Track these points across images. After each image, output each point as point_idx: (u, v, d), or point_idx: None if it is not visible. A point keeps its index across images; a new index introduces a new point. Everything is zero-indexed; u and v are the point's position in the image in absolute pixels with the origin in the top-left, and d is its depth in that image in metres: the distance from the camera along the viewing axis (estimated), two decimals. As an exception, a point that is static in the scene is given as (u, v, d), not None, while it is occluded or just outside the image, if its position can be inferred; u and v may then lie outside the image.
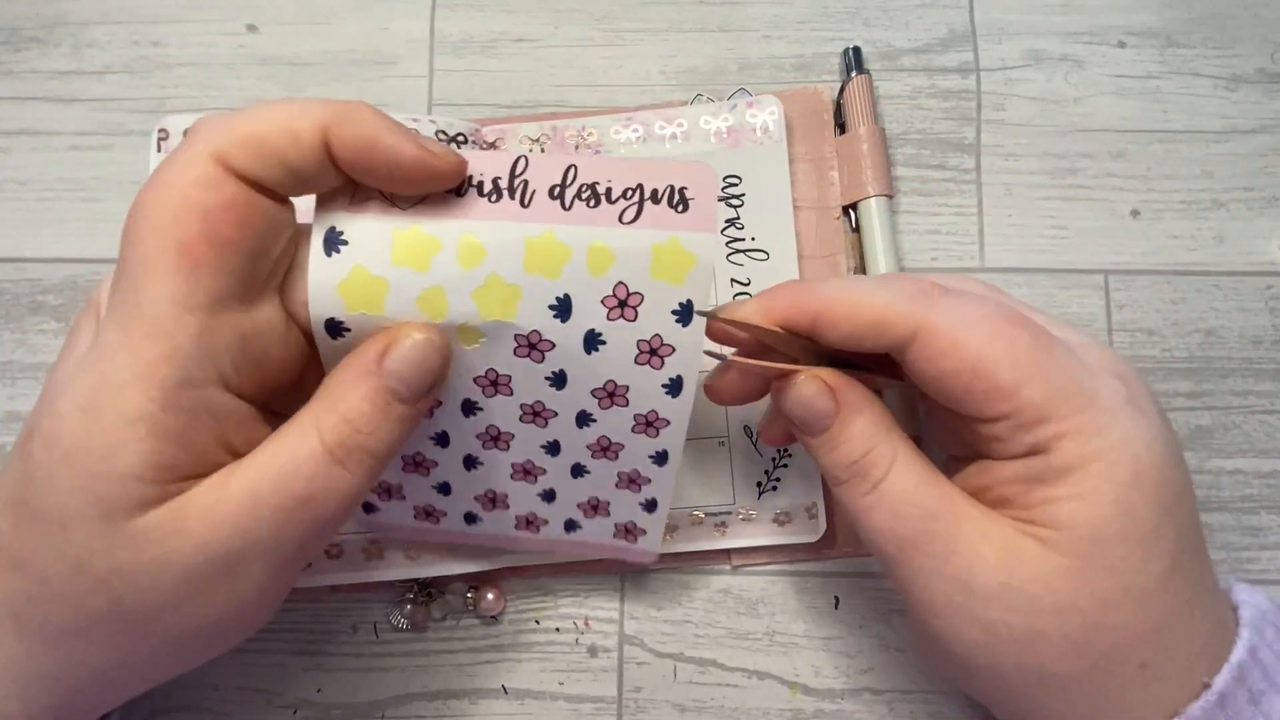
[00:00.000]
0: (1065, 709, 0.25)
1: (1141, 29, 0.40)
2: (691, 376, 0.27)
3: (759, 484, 0.35)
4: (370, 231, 0.25)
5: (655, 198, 0.26)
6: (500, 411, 0.28)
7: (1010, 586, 0.24)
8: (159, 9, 0.40)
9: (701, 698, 0.35)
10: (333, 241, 0.25)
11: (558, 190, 0.25)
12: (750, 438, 0.35)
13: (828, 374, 0.26)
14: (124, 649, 0.24)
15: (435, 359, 0.25)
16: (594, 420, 0.29)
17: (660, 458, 0.29)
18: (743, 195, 0.37)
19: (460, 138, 0.37)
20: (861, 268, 0.37)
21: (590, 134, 0.37)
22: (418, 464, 0.31)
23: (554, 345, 0.27)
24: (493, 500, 0.32)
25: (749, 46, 0.40)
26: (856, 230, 0.37)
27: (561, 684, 0.35)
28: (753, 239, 0.36)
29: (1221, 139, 0.39)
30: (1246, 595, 0.27)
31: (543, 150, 0.37)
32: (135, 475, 0.22)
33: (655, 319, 0.26)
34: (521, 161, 0.25)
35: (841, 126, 0.38)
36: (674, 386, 0.28)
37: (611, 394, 0.28)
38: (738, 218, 0.37)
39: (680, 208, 0.26)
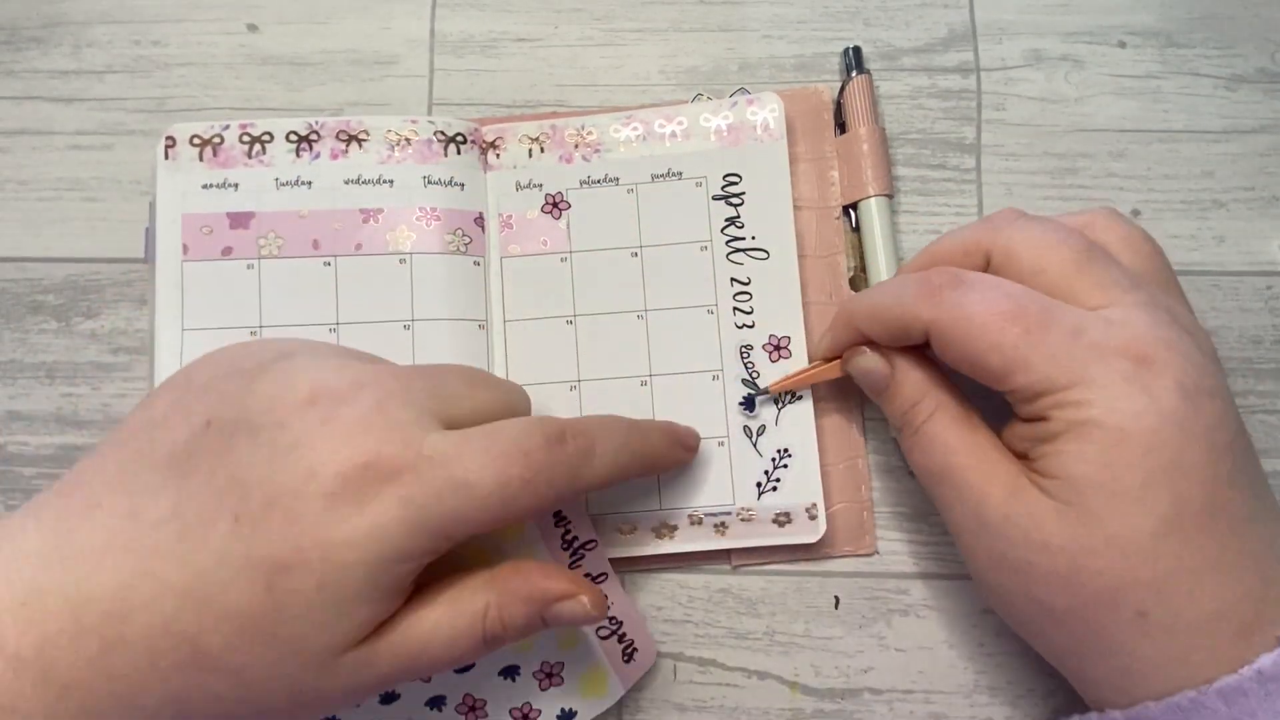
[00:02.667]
0: (1065, 640, 0.28)
1: (1142, 29, 0.40)
2: None
3: (759, 484, 0.35)
4: None
5: (621, 639, 0.34)
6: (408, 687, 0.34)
7: (1009, 520, 0.28)
8: (159, 9, 0.40)
9: (701, 698, 0.35)
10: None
11: (589, 576, 0.34)
12: (750, 438, 0.35)
13: (867, 348, 0.33)
14: None
15: (587, 624, 0.31)
16: (443, 707, 0.34)
17: None
18: (743, 194, 0.37)
19: (459, 138, 0.37)
20: (862, 267, 0.37)
21: (590, 133, 0.37)
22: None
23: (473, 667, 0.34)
24: None
25: (749, 46, 0.40)
26: (857, 230, 0.37)
27: None
28: (753, 238, 0.36)
29: (1221, 139, 0.39)
30: None
31: (542, 150, 0.37)
32: (366, 621, 0.26)
33: (551, 703, 0.34)
34: (592, 544, 0.34)
35: (842, 126, 0.38)
36: None
37: (471, 708, 0.34)
38: (738, 216, 0.37)
39: (627, 659, 0.34)
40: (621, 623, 0.34)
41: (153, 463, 0.26)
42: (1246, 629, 0.26)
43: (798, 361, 0.36)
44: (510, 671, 0.33)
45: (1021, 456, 0.29)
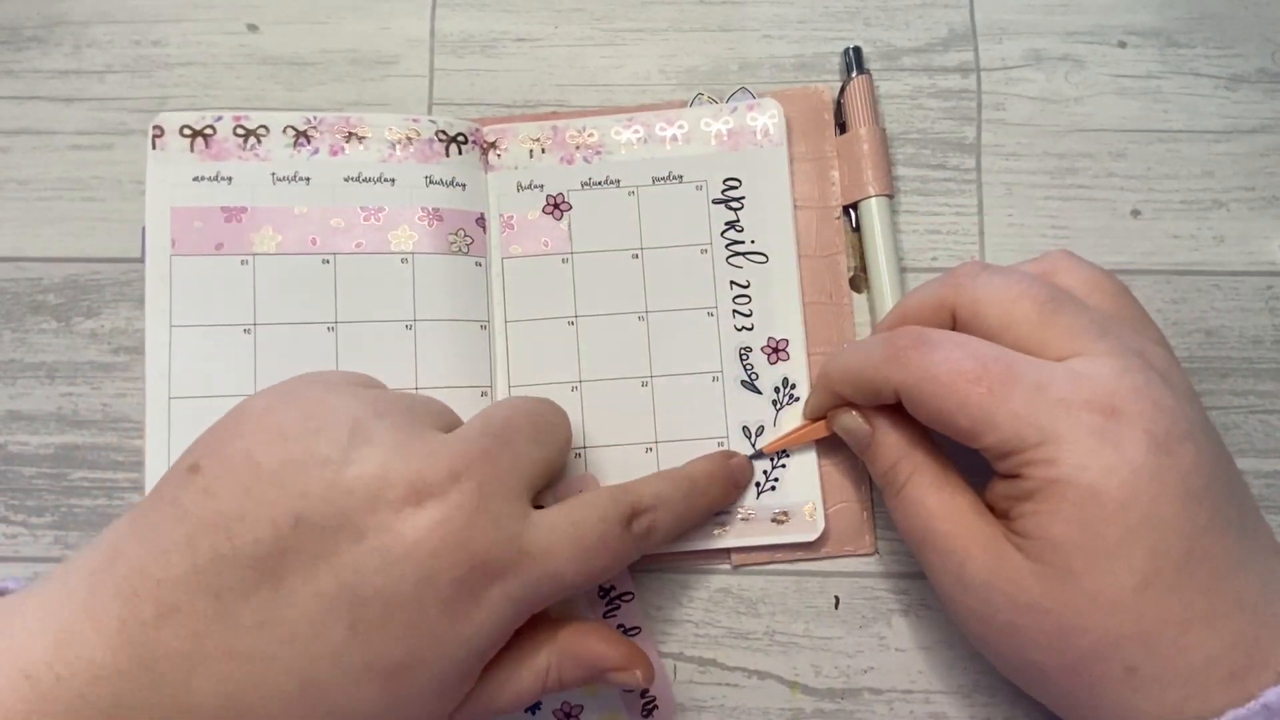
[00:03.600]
0: (1057, 696, 0.29)
1: (1141, 29, 0.40)
2: None
3: (758, 484, 0.35)
4: None
5: (644, 694, 0.34)
6: None
7: (992, 584, 0.28)
8: (159, 9, 0.40)
9: (701, 698, 0.35)
10: None
11: (623, 629, 0.35)
12: (749, 438, 0.35)
13: (852, 409, 0.33)
14: None
15: (632, 688, 0.33)
16: None
17: None
18: (742, 198, 0.37)
19: (460, 138, 0.37)
20: (862, 267, 0.37)
21: (591, 135, 0.37)
22: None
23: None
24: None
25: (749, 46, 0.40)
26: (857, 230, 0.37)
27: None
28: (752, 241, 0.36)
29: (1222, 139, 0.39)
30: None
31: (544, 151, 0.37)
32: (461, 697, 0.28)
33: None
34: (629, 595, 0.35)
35: (842, 126, 0.38)
36: None
37: None
38: (737, 220, 0.37)
39: (646, 714, 0.34)
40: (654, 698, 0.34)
41: (235, 562, 0.24)
42: (1239, 674, 0.25)
43: (796, 364, 0.36)
44: (533, 708, 0.34)
45: (1003, 515, 0.29)
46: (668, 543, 0.33)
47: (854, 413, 0.32)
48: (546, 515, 0.28)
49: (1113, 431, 0.26)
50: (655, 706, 0.34)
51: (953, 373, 0.28)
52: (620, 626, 0.34)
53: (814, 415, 0.35)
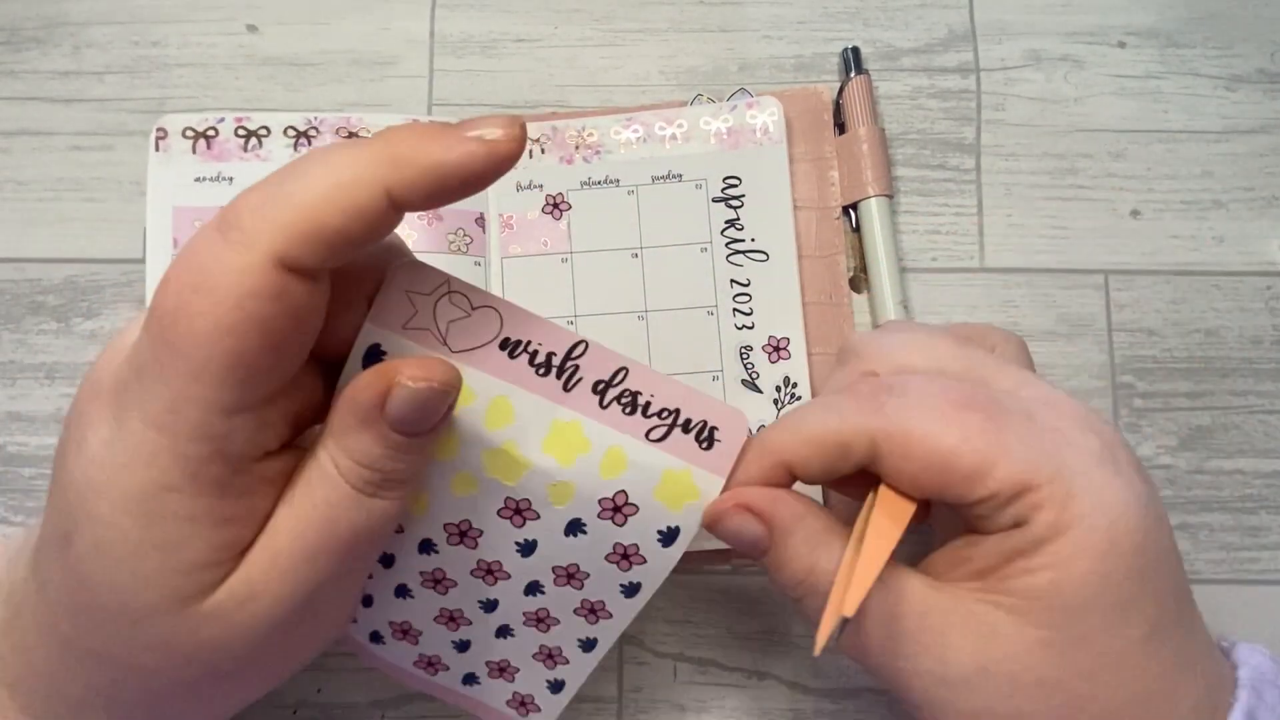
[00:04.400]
0: None
1: (1141, 29, 0.40)
2: (651, 587, 0.28)
3: (759, 484, 0.35)
4: None
5: (686, 427, 0.26)
6: (455, 561, 0.28)
7: (988, 670, 0.24)
8: (159, 9, 0.40)
9: (701, 698, 0.35)
10: (372, 357, 0.24)
11: (602, 386, 0.26)
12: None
13: (756, 494, 0.26)
14: (228, 694, 0.26)
15: (436, 401, 0.23)
16: (542, 593, 0.29)
17: (589, 644, 0.30)
18: (742, 196, 0.37)
19: (460, 138, 0.37)
20: (862, 267, 0.37)
21: (590, 134, 0.37)
22: None
23: (538, 517, 0.27)
24: (404, 632, 0.31)
25: (749, 46, 0.40)
26: (856, 230, 0.37)
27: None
28: (752, 240, 0.36)
29: (1221, 139, 0.39)
30: (1246, 654, 0.26)
31: (543, 151, 0.37)
32: (203, 564, 0.22)
33: (640, 532, 0.27)
34: (580, 346, 0.25)
35: (841, 127, 0.38)
36: (631, 590, 0.28)
37: (570, 575, 0.28)
38: (737, 219, 0.37)
39: (705, 444, 0.26)
40: (676, 410, 0.26)
41: None
42: (1215, 716, 0.24)
43: (797, 363, 0.36)
44: (574, 528, 0.27)
45: (978, 576, 0.24)
46: None
47: (743, 513, 0.26)
48: None
49: (1110, 458, 0.24)
50: (713, 430, 0.26)
51: (945, 403, 0.24)
52: (599, 384, 0.26)
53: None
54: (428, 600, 0.30)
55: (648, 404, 0.26)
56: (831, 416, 0.25)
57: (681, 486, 0.26)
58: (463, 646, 0.31)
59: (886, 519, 0.25)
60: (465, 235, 0.37)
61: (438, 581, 0.29)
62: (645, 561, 0.27)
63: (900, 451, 0.24)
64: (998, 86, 0.39)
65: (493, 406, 0.25)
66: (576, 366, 0.25)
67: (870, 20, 0.40)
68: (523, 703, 0.32)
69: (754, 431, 0.30)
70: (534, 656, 0.30)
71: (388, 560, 0.29)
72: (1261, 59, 0.39)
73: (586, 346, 0.25)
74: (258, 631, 0.23)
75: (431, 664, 0.31)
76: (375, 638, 0.31)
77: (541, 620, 0.29)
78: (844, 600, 0.23)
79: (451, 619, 0.30)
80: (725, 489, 0.26)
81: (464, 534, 0.28)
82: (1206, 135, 0.39)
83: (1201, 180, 0.38)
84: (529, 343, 0.25)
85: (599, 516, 0.27)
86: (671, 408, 0.26)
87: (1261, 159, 0.39)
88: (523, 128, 0.21)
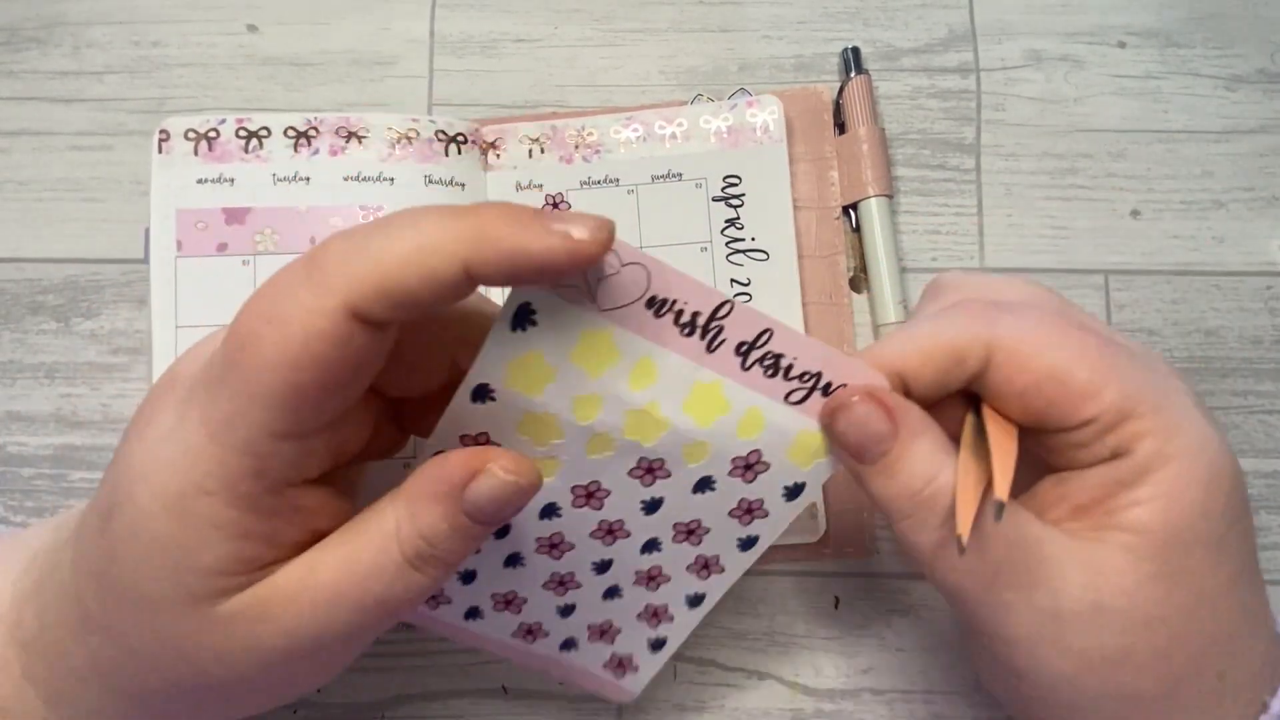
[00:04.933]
0: None
1: (1141, 29, 0.40)
2: (768, 541, 0.28)
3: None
4: (562, 321, 0.24)
5: (827, 390, 0.25)
6: (577, 523, 0.28)
7: (1101, 605, 0.23)
8: (159, 9, 0.40)
9: (701, 698, 0.35)
10: (523, 318, 0.23)
11: (745, 348, 0.25)
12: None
13: (883, 392, 0.25)
14: (205, 711, 0.26)
15: (515, 500, 0.23)
16: (659, 550, 0.29)
17: (695, 600, 0.30)
18: (743, 195, 0.37)
19: (460, 138, 0.37)
20: (862, 268, 0.37)
21: (590, 134, 0.37)
22: None
23: (669, 476, 0.27)
24: (507, 602, 0.30)
25: (749, 46, 0.40)
26: (856, 230, 0.37)
27: (561, 684, 0.35)
28: (753, 239, 0.36)
29: (1221, 139, 0.39)
30: None
31: (543, 151, 0.37)
32: (219, 570, 0.22)
33: (768, 487, 0.27)
34: (726, 307, 0.24)
35: (841, 127, 0.38)
36: (748, 543, 0.28)
37: (690, 531, 0.28)
38: (737, 218, 0.37)
39: None
40: (818, 374, 0.25)
41: None
42: (1273, 678, 0.24)
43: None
44: (703, 485, 0.27)
45: (1076, 515, 0.24)
46: None
47: (873, 403, 0.25)
48: None
49: (1199, 404, 0.24)
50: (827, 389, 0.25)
51: (1061, 321, 0.24)
52: (721, 310, 0.24)
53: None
54: (539, 566, 0.29)
55: (790, 366, 0.25)
56: (946, 327, 0.25)
57: (814, 446, 0.26)
58: (567, 611, 0.30)
59: (1002, 434, 0.24)
60: (465, 235, 0.36)
61: (554, 545, 0.28)
62: (767, 515, 0.28)
63: (1016, 363, 0.24)
64: (998, 86, 0.39)
65: (638, 367, 0.25)
66: (721, 327, 0.25)
67: (870, 20, 0.40)
68: (620, 664, 0.32)
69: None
70: (638, 616, 0.30)
71: (502, 531, 0.28)
72: (1261, 59, 0.39)
73: (732, 307, 0.24)
74: (258, 656, 0.23)
75: (531, 632, 0.31)
76: (473, 613, 0.30)
77: (653, 579, 0.29)
78: (996, 485, 0.22)
79: (561, 583, 0.30)
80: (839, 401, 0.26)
81: (590, 495, 0.27)
82: (1206, 135, 0.39)
83: (1201, 180, 0.38)
84: (675, 301, 0.24)
85: (729, 474, 0.27)
86: (814, 370, 0.25)
87: (1261, 159, 0.39)
88: (610, 230, 0.21)
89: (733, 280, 0.36)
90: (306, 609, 0.23)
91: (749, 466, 0.27)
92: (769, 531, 0.28)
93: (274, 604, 0.23)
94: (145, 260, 0.37)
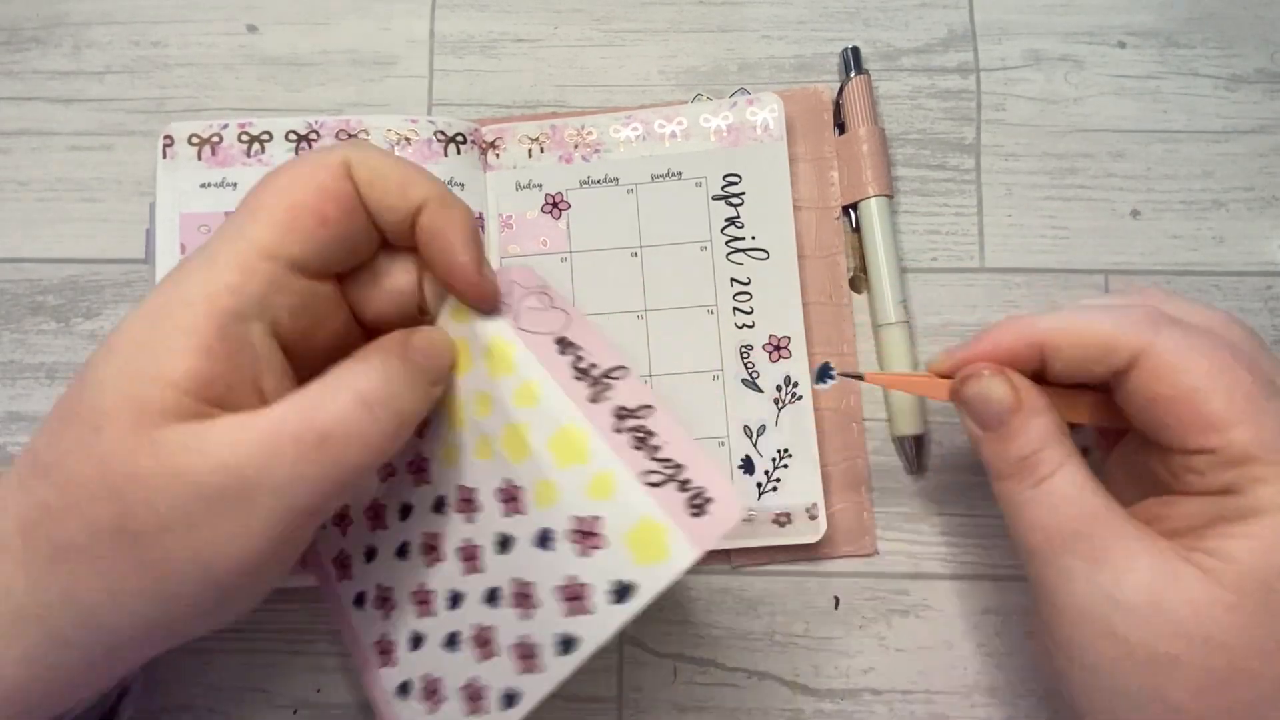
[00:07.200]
0: None
1: (1141, 29, 0.40)
2: (586, 651, 0.25)
3: (759, 484, 0.35)
4: (485, 321, 0.28)
5: (684, 486, 0.25)
6: (452, 532, 0.29)
7: (1160, 606, 0.24)
8: (159, 9, 0.40)
9: (701, 698, 0.35)
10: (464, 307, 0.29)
11: (624, 413, 0.26)
12: (750, 438, 0.35)
13: (1012, 374, 0.28)
14: (120, 577, 0.23)
15: (447, 352, 0.28)
16: (497, 604, 0.28)
17: (510, 699, 0.27)
18: (743, 194, 0.37)
19: (459, 138, 0.37)
20: (862, 267, 0.37)
21: (590, 133, 0.37)
22: (373, 517, 0.31)
23: (523, 515, 0.27)
24: (383, 600, 0.31)
25: (749, 46, 0.40)
26: (856, 230, 0.37)
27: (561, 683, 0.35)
28: (753, 238, 0.36)
29: (1221, 139, 0.39)
30: None
31: (542, 151, 0.37)
32: (174, 382, 0.23)
33: (598, 573, 0.25)
34: (621, 370, 0.26)
35: (841, 127, 0.38)
36: (568, 644, 0.26)
37: (525, 596, 0.27)
38: (737, 216, 0.37)
39: (695, 511, 0.24)
40: (681, 465, 0.25)
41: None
42: None
43: (798, 362, 0.36)
44: (545, 539, 0.26)
45: (1169, 536, 0.25)
46: None
47: (1004, 379, 0.27)
48: None
49: None
50: (708, 500, 0.24)
51: (1221, 351, 0.25)
52: (622, 409, 0.26)
53: (957, 366, 0.29)
54: (416, 570, 0.30)
55: (658, 447, 0.25)
56: (1106, 317, 0.26)
57: (655, 543, 0.24)
58: (417, 643, 0.30)
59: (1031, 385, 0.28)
60: (465, 235, 0.36)
61: (432, 549, 0.29)
62: (590, 614, 0.25)
63: (1159, 373, 0.25)
64: (998, 86, 0.39)
65: (525, 385, 0.27)
66: (610, 385, 0.26)
67: (870, 20, 0.40)
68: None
69: (741, 519, 0.32)
70: (462, 689, 0.28)
71: (405, 511, 0.30)
72: (1261, 59, 0.39)
73: (627, 372, 0.26)
74: (184, 487, 0.23)
75: (385, 652, 0.31)
76: (359, 600, 0.31)
77: (484, 645, 0.28)
78: (879, 376, 0.30)
79: (423, 601, 0.30)
80: (980, 347, 0.28)
81: (468, 501, 0.28)
82: (1206, 135, 0.39)
83: (1201, 180, 0.38)
84: (580, 348, 0.27)
85: (569, 537, 0.26)
86: (678, 461, 0.25)
87: (1261, 159, 0.39)
88: (493, 299, 0.28)
89: (733, 279, 0.36)
90: (245, 445, 0.23)
91: (587, 534, 0.25)
92: (589, 638, 0.25)
93: (211, 439, 0.23)
94: (145, 260, 0.37)
